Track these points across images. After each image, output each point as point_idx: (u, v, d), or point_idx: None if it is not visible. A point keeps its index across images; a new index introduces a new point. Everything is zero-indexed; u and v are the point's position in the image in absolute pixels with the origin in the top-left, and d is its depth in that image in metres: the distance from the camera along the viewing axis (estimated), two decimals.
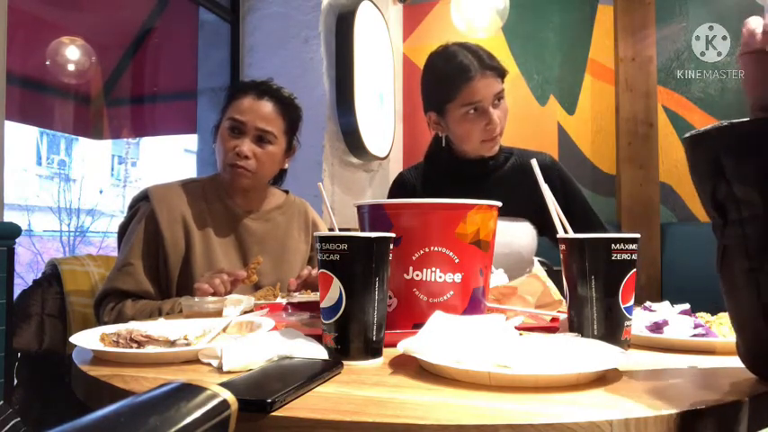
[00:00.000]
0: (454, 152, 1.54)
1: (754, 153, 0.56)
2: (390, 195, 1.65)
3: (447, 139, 1.53)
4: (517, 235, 1.46)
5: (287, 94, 1.50)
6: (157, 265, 1.38)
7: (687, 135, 0.60)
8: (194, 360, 0.73)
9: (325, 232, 0.75)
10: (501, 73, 1.44)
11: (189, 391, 0.43)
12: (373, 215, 0.92)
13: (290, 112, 1.49)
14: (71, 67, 3.23)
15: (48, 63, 3.20)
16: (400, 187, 1.62)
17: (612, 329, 0.75)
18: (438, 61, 1.47)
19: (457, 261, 0.86)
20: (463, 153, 1.52)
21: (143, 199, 1.45)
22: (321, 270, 0.73)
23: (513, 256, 1.43)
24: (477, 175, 1.53)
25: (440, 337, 0.69)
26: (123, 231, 1.46)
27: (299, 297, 1.21)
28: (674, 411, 0.52)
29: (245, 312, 1.03)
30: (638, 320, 0.85)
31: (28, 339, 1.49)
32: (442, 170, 1.58)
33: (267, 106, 1.44)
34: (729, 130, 0.56)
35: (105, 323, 1.26)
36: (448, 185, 1.55)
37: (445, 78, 1.44)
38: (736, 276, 0.58)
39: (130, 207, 1.48)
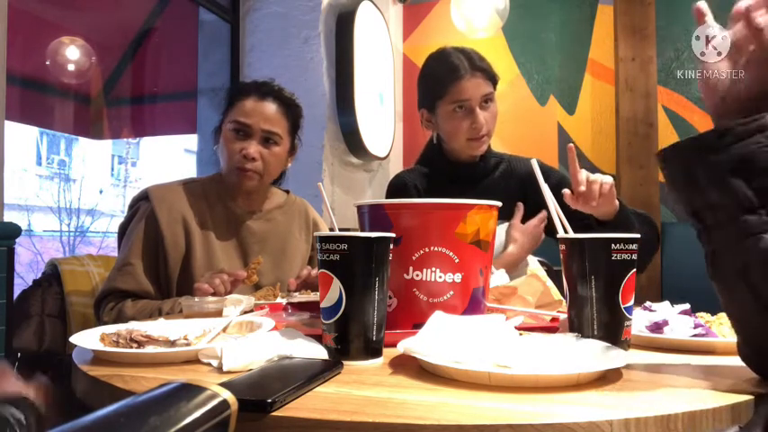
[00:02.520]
0: (445, 153, 1.58)
1: (719, 158, 0.58)
2: (388, 196, 1.65)
3: (438, 138, 1.58)
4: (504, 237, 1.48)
5: (288, 95, 1.51)
6: (157, 265, 1.38)
7: (661, 149, 0.63)
8: (194, 360, 0.73)
9: (325, 232, 0.75)
10: (491, 76, 1.49)
11: (189, 391, 0.43)
12: (373, 215, 0.92)
13: (293, 112, 1.50)
14: (71, 67, 3.23)
15: (48, 63, 3.20)
16: (398, 188, 1.63)
17: (612, 329, 0.75)
18: (432, 61, 1.54)
19: (457, 261, 0.86)
20: (453, 153, 1.56)
21: (143, 199, 1.45)
22: (321, 270, 0.73)
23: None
24: (469, 179, 1.56)
25: (440, 337, 0.69)
26: (123, 231, 1.46)
27: (299, 297, 1.21)
28: (673, 411, 0.52)
29: (245, 312, 1.03)
30: (638, 320, 0.85)
31: (28, 339, 1.49)
32: (436, 172, 1.60)
33: (271, 107, 1.45)
34: (698, 140, 0.60)
35: (105, 323, 1.26)
36: (442, 187, 1.57)
37: (436, 76, 1.50)
38: (728, 277, 0.60)
39: (130, 207, 1.48)
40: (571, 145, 1.21)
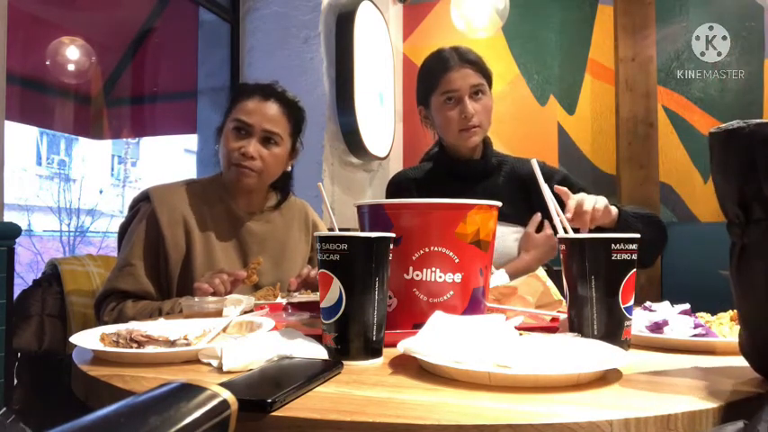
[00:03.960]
0: (446, 150, 1.60)
1: None
2: (388, 193, 1.67)
3: (439, 137, 1.60)
4: (510, 241, 1.48)
5: (291, 97, 1.51)
6: (158, 266, 1.38)
7: (717, 129, 0.59)
8: (194, 360, 0.73)
9: (325, 232, 0.75)
10: (481, 69, 1.52)
11: (189, 391, 0.43)
12: (373, 215, 0.92)
13: (295, 114, 1.50)
14: (71, 67, 3.23)
15: (48, 63, 3.20)
16: (397, 184, 1.64)
17: (612, 329, 0.75)
18: (427, 59, 1.59)
19: (457, 261, 0.86)
20: (452, 149, 1.58)
21: (144, 199, 1.45)
22: (321, 270, 0.73)
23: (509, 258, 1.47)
24: (470, 176, 1.57)
25: (440, 337, 0.69)
26: (124, 231, 1.46)
27: (299, 297, 1.21)
28: (674, 411, 0.52)
29: (245, 312, 1.03)
30: (638, 320, 0.85)
31: (28, 339, 1.49)
32: (438, 169, 1.61)
33: (273, 108, 1.45)
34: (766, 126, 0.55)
35: (105, 323, 1.26)
36: (442, 184, 1.58)
37: (429, 71, 1.55)
38: (755, 276, 0.58)
39: (131, 207, 1.48)
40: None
